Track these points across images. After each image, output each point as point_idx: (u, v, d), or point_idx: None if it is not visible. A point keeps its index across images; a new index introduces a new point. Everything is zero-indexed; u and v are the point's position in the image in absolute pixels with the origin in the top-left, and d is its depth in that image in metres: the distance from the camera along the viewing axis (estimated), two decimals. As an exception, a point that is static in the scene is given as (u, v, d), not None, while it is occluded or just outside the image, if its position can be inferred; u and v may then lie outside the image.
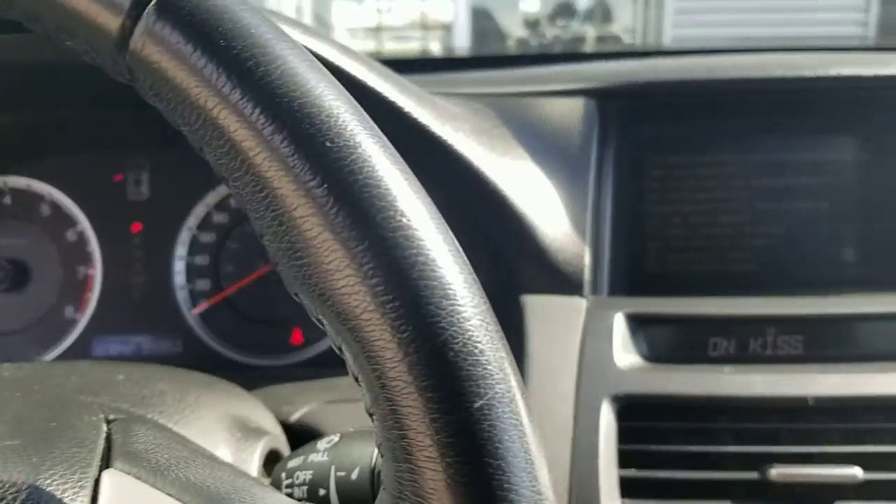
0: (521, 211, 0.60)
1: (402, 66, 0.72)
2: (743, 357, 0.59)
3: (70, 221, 0.72)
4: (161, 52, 0.24)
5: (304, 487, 0.37)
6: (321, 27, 5.94)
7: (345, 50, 0.53)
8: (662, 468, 0.50)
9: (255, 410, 0.47)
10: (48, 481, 0.27)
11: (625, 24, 5.55)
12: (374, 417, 0.24)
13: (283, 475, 0.38)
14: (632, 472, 0.50)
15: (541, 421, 0.52)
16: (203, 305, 0.72)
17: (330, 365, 0.62)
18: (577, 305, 0.59)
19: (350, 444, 0.37)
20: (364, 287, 0.23)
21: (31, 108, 0.70)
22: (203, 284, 0.72)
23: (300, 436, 0.51)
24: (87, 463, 0.28)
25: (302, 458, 0.38)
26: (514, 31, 5.95)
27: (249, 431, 0.43)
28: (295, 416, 0.54)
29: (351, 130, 0.24)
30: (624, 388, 0.52)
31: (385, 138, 0.26)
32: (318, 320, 0.25)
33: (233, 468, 0.30)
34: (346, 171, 0.24)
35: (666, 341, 0.59)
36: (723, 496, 0.50)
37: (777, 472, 0.49)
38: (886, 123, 0.74)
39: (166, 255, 0.72)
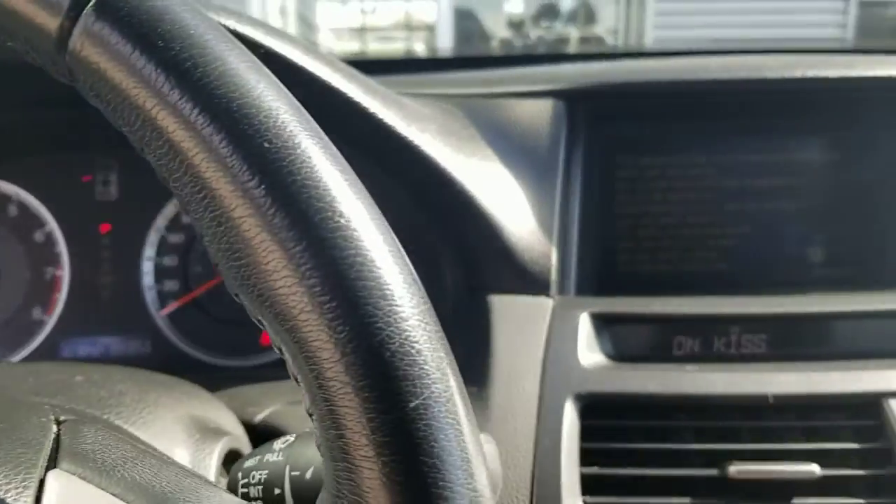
0: (487, 211, 0.61)
1: (375, 66, 0.72)
2: (707, 356, 0.59)
3: (38, 222, 0.72)
4: (100, 52, 0.24)
5: (260, 487, 0.37)
6: (306, 28, 5.93)
7: (309, 50, 0.53)
8: (624, 466, 0.51)
9: (217, 411, 0.47)
10: (-8, 482, 0.27)
11: (608, 25, 5.58)
12: (313, 418, 0.24)
13: (240, 475, 0.38)
14: (594, 470, 0.50)
15: (504, 420, 0.52)
16: (172, 306, 0.71)
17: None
18: (544, 305, 0.60)
19: (305, 443, 0.37)
20: (301, 288, 0.23)
21: (-3, 108, 0.69)
22: (172, 285, 0.72)
23: (264, 436, 0.50)
24: (32, 464, 0.28)
25: (258, 458, 0.38)
26: (499, 31, 5.96)
27: (209, 432, 0.43)
28: (259, 417, 0.54)
29: (290, 131, 0.24)
30: (587, 387, 0.53)
31: (327, 139, 0.26)
32: (259, 321, 0.25)
33: (182, 468, 0.30)
34: (284, 172, 0.24)
35: (631, 341, 0.59)
36: (683, 493, 0.50)
37: (736, 469, 0.49)
38: (854, 124, 0.75)
39: (135, 256, 0.72)
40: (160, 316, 0.71)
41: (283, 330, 0.24)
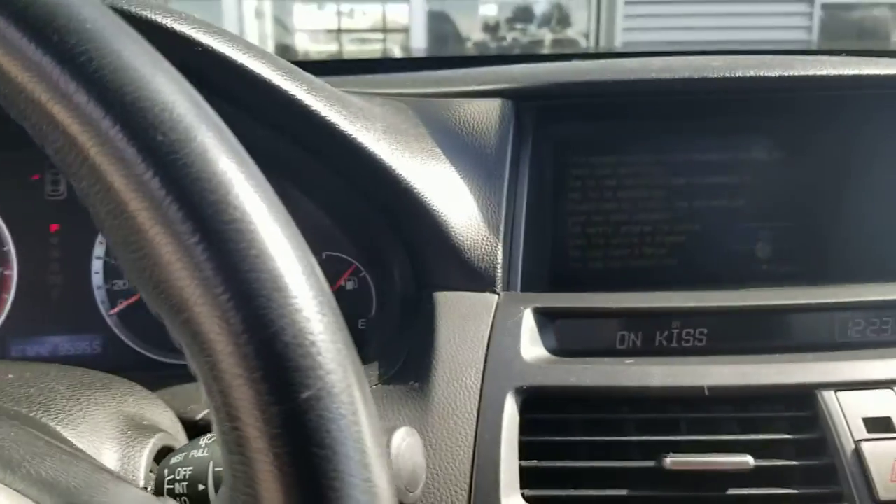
0: (434, 209, 0.61)
1: (329, 67, 0.73)
2: (649, 350, 0.60)
3: (-15, 222, 0.71)
4: None
5: (185, 483, 0.37)
6: (282, 31, 5.90)
7: (249, 49, 0.53)
8: (563, 458, 0.52)
9: (153, 408, 0.47)
10: None
11: (580, 28, 5.62)
12: (210, 410, 0.24)
13: (166, 471, 0.38)
14: (533, 463, 0.51)
15: (445, 414, 0.53)
16: (121, 305, 0.71)
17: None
18: (488, 301, 0.60)
19: (230, 438, 0.37)
20: (195, 280, 0.23)
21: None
22: (121, 284, 0.71)
23: (204, 433, 0.50)
24: None
25: (184, 454, 0.38)
26: (474, 34, 5.97)
27: (141, 429, 0.43)
28: (201, 414, 0.53)
29: (186, 124, 0.24)
30: (527, 381, 0.53)
31: (228, 132, 0.26)
32: (157, 314, 0.25)
33: (93, 463, 0.30)
34: (178, 165, 0.24)
35: (574, 335, 0.60)
36: (621, 485, 0.51)
37: (671, 460, 0.50)
38: (798, 123, 0.76)
39: (84, 256, 0.71)
40: (110, 315, 0.71)
41: (178, 322, 0.24)
